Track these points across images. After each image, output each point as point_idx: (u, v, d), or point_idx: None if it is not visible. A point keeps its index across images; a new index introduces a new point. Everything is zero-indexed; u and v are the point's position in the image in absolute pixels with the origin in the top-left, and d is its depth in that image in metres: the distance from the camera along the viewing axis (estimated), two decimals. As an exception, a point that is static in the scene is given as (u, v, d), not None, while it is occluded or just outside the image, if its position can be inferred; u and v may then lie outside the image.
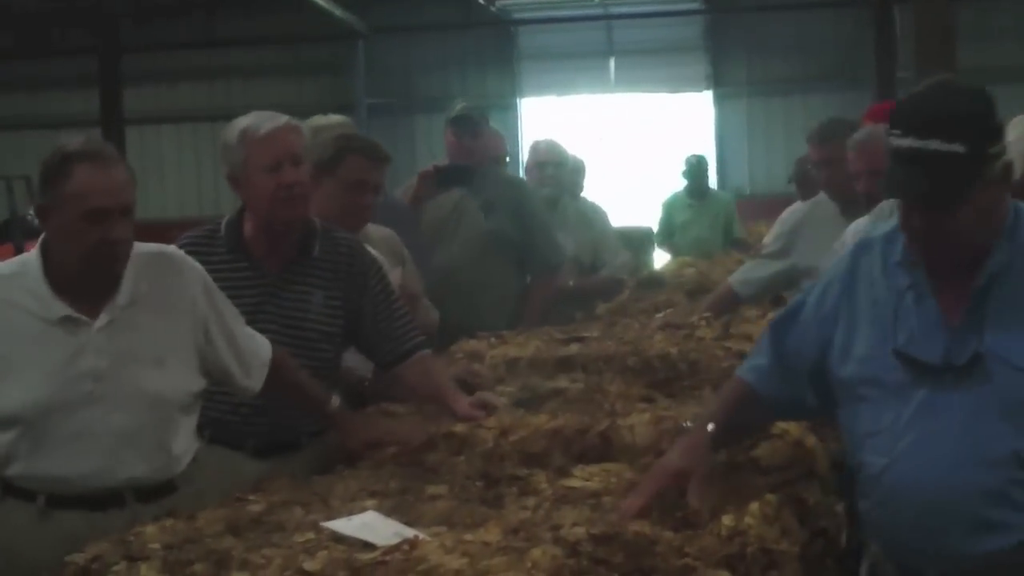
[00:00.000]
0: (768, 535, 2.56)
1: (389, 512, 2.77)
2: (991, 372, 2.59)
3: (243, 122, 3.89)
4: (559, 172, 7.23)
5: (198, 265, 3.51)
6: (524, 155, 10.00)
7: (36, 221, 3.35)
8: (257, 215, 3.92)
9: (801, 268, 5.07)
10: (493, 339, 4.99)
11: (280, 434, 3.85)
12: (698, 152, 11.76)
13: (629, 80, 20.98)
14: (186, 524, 2.81)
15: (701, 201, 10.85)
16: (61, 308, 3.22)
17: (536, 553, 2.38)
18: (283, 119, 3.90)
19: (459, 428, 3.55)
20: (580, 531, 2.52)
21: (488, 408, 3.74)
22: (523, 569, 2.30)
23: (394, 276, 4.70)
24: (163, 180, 20.63)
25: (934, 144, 2.55)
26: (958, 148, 2.54)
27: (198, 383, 3.43)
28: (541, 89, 21.12)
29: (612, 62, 21.11)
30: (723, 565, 2.44)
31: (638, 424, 3.44)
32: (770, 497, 2.75)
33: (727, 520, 2.62)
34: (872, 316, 2.77)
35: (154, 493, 3.26)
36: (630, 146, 20.76)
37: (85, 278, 3.24)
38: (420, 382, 3.99)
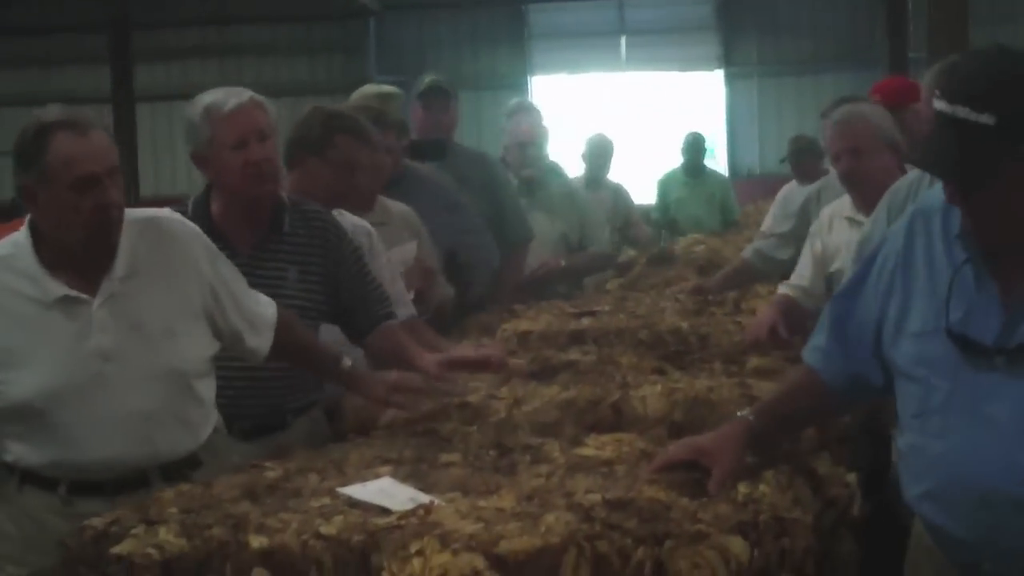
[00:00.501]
0: (781, 503, 2.57)
1: (404, 479, 2.79)
2: None
3: (206, 99, 3.78)
4: (540, 152, 6.97)
5: (194, 225, 3.40)
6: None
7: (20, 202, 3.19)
8: (225, 193, 3.84)
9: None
10: (505, 313, 5.02)
11: (267, 415, 3.78)
12: (710, 131, 11.76)
13: (640, 59, 20.98)
14: (203, 490, 2.83)
15: (697, 179, 10.82)
16: (58, 288, 3.11)
17: (550, 518, 2.39)
18: (247, 94, 3.79)
19: (472, 398, 3.57)
20: (594, 497, 2.54)
21: (454, 366, 3.71)
22: (537, 534, 2.31)
23: (407, 250, 4.76)
24: (174, 158, 20.65)
25: (962, 112, 2.33)
26: (987, 119, 2.31)
27: (212, 347, 3.34)
28: (552, 67, 21.13)
29: (623, 41, 21.12)
30: (736, 531, 2.45)
31: (650, 396, 3.46)
32: (783, 466, 2.76)
33: (742, 487, 2.64)
34: (928, 290, 2.56)
35: (179, 469, 3.18)
36: (641, 125, 20.74)
37: (84, 250, 3.12)
38: (384, 347, 3.88)
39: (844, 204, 4.63)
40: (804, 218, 5.25)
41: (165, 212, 3.43)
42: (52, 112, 3.09)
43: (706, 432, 3.04)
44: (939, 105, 2.38)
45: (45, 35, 21.39)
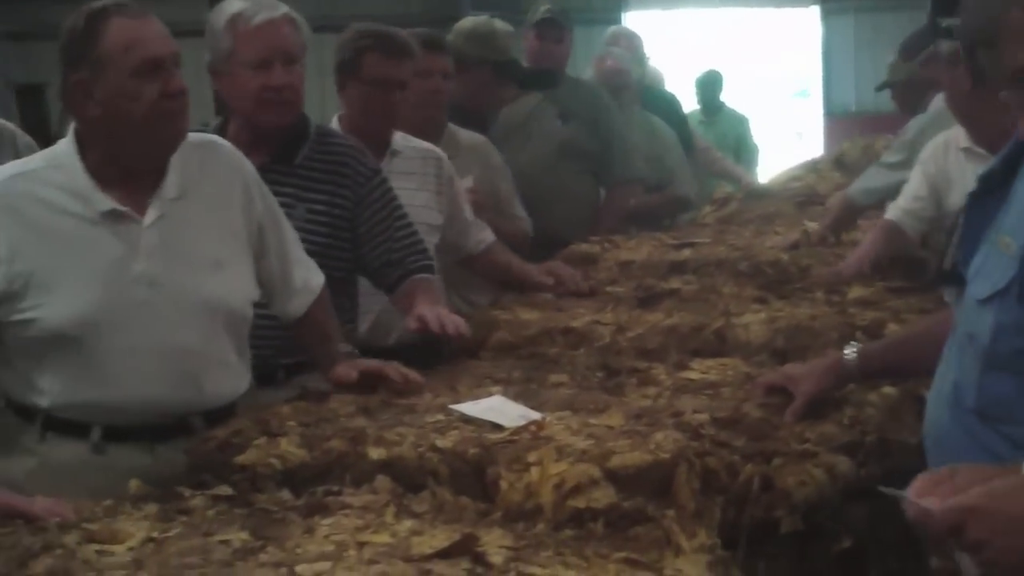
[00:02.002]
0: (888, 425, 2.61)
1: (514, 398, 2.85)
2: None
3: (234, 7, 3.41)
4: (626, 90, 6.83)
5: (249, 163, 3.12)
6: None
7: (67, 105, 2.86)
8: (238, 116, 3.54)
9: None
10: (606, 243, 5.06)
11: (259, 368, 3.26)
12: (805, 68, 11.63)
13: (736, -6, 20.77)
14: (318, 405, 2.90)
15: (712, 118, 10.70)
16: (105, 201, 2.81)
17: (659, 436, 2.44)
18: (281, 9, 3.44)
19: (576, 323, 3.62)
20: (702, 416, 2.59)
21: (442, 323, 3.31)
22: (647, 450, 2.36)
23: (465, 183, 4.55)
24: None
25: None
26: None
27: (255, 291, 3.07)
28: (647, 3, 20.97)
29: (719, -24, 20.91)
30: (842, 451, 2.50)
31: (752, 323, 3.50)
32: (889, 390, 2.80)
33: (848, 410, 2.68)
34: None
35: (221, 416, 2.90)
36: (735, 63, 20.58)
37: (145, 153, 2.85)
38: (404, 301, 3.57)
39: (960, 133, 4.52)
40: (914, 147, 5.13)
41: (219, 139, 3.17)
42: (99, 2, 2.80)
43: (809, 359, 3.09)
44: None
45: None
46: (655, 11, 21.01)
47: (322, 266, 3.38)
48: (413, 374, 3.01)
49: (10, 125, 4.19)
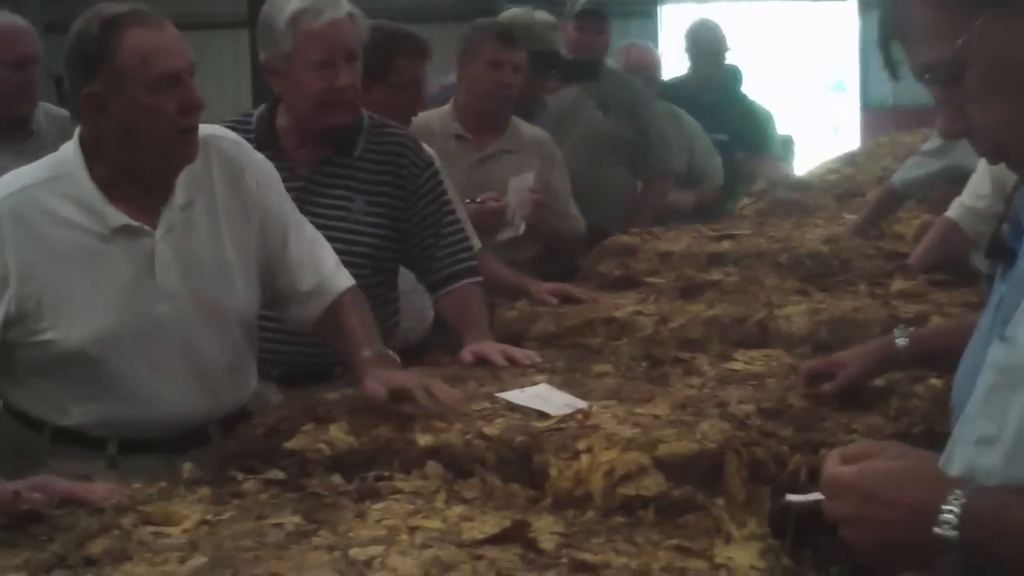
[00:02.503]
0: (934, 417, 2.61)
1: (559, 387, 2.86)
2: None
3: (294, 4, 3.33)
4: (651, 80, 6.88)
5: (259, 156, 3.00)
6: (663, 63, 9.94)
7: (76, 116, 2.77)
8: (296, 115, 3.46)
9: (958, 167, 4.94)
10: (645, 235, 5.07)
11: (310, 364, 3.36)
12: (842, 62, 11.51)
13: (772, -13, 20.70)
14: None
15: None
16: (117, 216, 2.70)
17: (705, 426, 2.45)
18: (344, 7, 3.37)
19: (618, 314, 3.64)
20: (747, 407, 2.60)
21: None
22: (694, 439, 2.37)
23: (524, 180, 4.58)
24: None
25: None
26: None
27: (259, 296, 2.98)
28: (683, -5, 20.91)
29: (756, -31, 20.83)
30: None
31: (795, 314, 3.50)
32: (935, 382, 2.80)
33: (894, 401, 2.68)
34: None
35: (234, 423, 2.86)
36: (771, 55, 20.51)
37: (159, 167, 2.74)
38: (451, 313, 3.55)
39: None
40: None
41: (219, 130, 3.00)
42: (114, 7, 2.67)
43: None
44: None
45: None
46: (690, 4, 20.94)
47: (378, 259, 3.42)
48: (446, 393, 2.71)
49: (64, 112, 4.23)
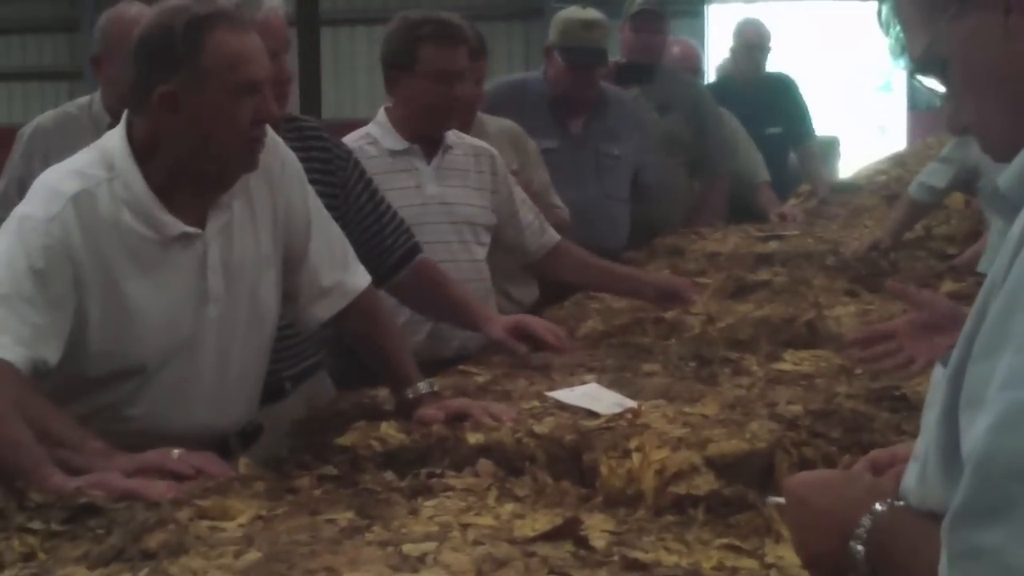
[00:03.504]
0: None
1: (608, 386, 2.87)
2: None
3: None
4: (694, 77, 6.87)
5: (283, 144, 2.85)
6: (711, 64, 9.90)
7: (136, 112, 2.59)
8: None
9: (969, 166, 4.81)
10: (693, 235, 5.08)
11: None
12: (890, 62, 11.43)
13: (820, -13, 20.62)
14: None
15: None
16: (175, 224, 2.58)
17: (755, 426, 2.46)
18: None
19: (667, 314, 3.65)
20: (796, 408, 2.61)
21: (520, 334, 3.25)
22: (744, 439, 2.38)
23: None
24: (354, 81, 20.86)
25: None
26: None
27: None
28: (731, -5, 20.86)
29: (804, -32, 20.76)
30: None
31: (844, 315, 3.51)
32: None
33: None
34: None
35: (250, 434, 2.84)
36: (818, 55, 20.44)
37: (220, 173, 2.63)
38: (425, 288, 3.40)
39: None
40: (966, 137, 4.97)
41: None
42: (201, 3, 2.56)
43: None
44: None
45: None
46: (738, 4, 20.88)
47: None
48: (501, 411, 2.66)
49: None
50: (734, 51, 7.53)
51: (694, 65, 6.83)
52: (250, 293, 2.72)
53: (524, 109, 4.93)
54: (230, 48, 2.50)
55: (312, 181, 3.03)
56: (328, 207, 3.06)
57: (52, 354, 2.45)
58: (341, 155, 3.35)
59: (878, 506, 1.47)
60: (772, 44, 7.52)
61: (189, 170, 2.59)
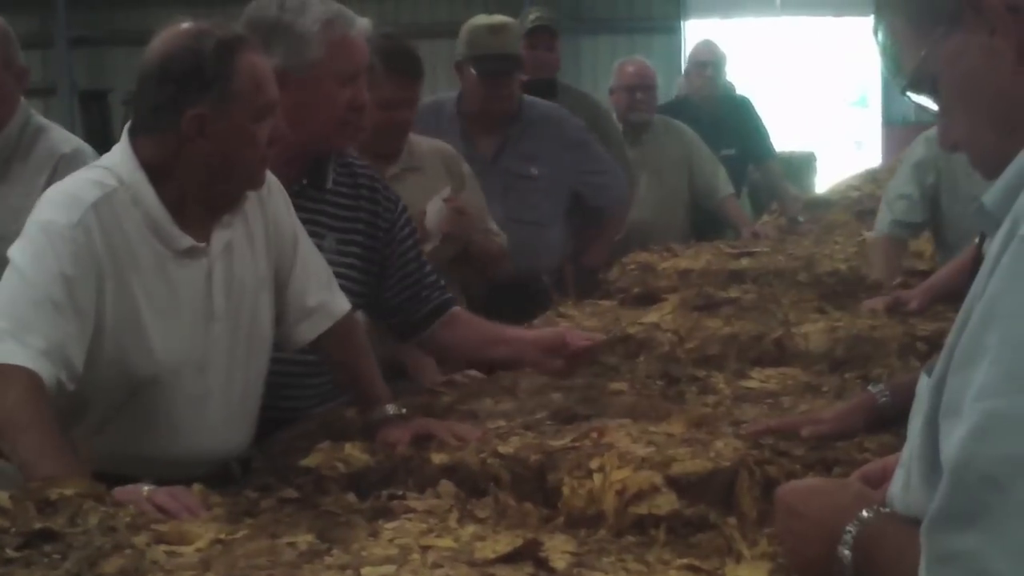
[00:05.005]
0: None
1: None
2: None
3: (319, 10, 3.03)
4: (648, 96, 6.71)
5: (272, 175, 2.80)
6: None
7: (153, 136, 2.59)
8: (308, 131, 3.06)
9: (929, 193, 4.67)
10: (665, 252, 5.08)
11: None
12: (864, 78, 11.51)
13: (794, 4, 20.68)
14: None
15: None
16: (184, 238, 2.60)
17: (719, 444, 2.46)
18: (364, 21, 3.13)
19: (634, 330, 3.64)
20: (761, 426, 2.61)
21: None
22: (708, 458, 2.38)
23: (443, 192, 4.16)
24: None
25: None
26: None
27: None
28: (706, 11, 20.92)
29: (778, -15, 20.84)
30: (903, 461, 2.50)
31: (812, 332, 3.50)
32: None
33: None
34: None
35: (248, 460, 2.78)
36: (794, 71, 20.52)
37: (233, 192, 2.67)
38: (459, 336, 3.27)
39: None
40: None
41: None
42: (223, 27, 2.60)
43: (870, 369, 3.11)
44: None
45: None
46: (714, 20, 20.96)
47: (353, 304, 3.05)
48: (466, 432, 2.65)
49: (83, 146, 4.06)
50: (686, 70, 7.55)
51: (648, 83, 6.73)
52: (250, 313, 2.73)
53: (439, 130, 4.68)
54: (255, 71, 2.55)
55: (357, 220, 3.15)
56: (370, 248, 3.17)
57: (79, 361, 2.45)
58: (391, 198, 3.28)
59: (865, 513, 1.52)
60: (726, 62, 7.51)
61: (206, 190, 2.61)
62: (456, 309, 3.31)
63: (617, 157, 5.69)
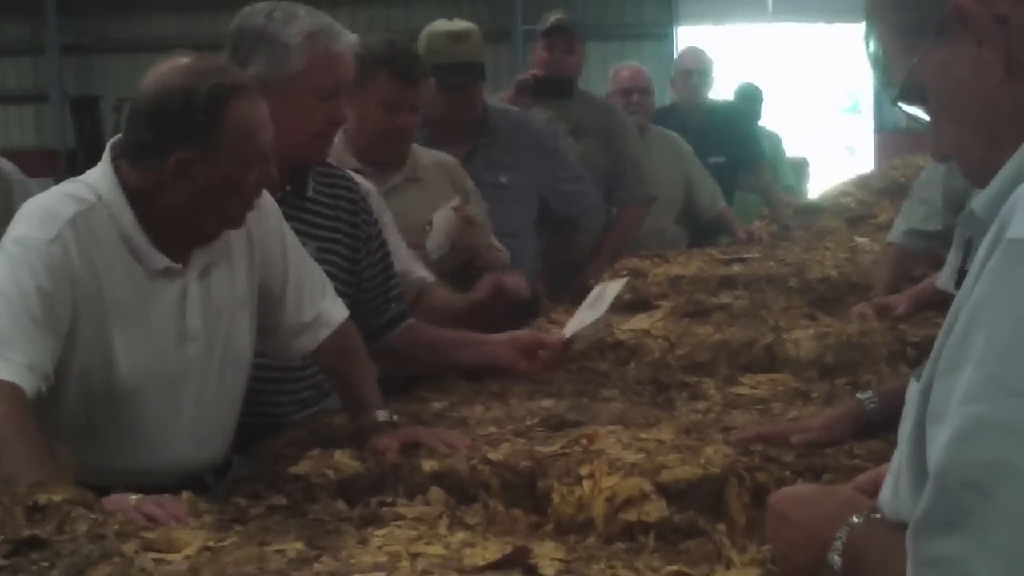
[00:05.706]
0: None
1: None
2: None
3: (307, 23, 3.06)
4: (644, 99, 6.65)
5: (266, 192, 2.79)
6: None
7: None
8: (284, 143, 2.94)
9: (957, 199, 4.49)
10: (656, 258, 5.08)
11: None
12: (856, 84, 11.50)
13: (786, 10, 20.71)
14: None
15: None
16: (160, 259, 2.61)
17: (709, 451, 2.46)
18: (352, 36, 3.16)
19: (625, 337, 3.64)
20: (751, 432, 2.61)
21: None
22: (698, 464, 2.38)
23: (441, 213, 4.13)
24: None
25: None
26: None
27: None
28: (698, 18, 20.94)
29: (771, -9, 20.87)
30: (893, 467, 2.50)
31: (802, 338, 3.50)
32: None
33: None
34: None
35: (223, 470, 2.83)
36: (786, 78, 20.55)
37: (215, 228, 2.68)
38: (425, 341, 3.38)
39: None
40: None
41: None
42: (222, 71, 2.60)
43: (859, 375, 3.11)
44: None
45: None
46: (706, 26, 20.98)
47: None
48: (455, 439, 2.66)
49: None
50: (673, 78, 7.52)
51: (643, 86, 6.70)
52: (226, 334, 2.74)
53: None
54: (246, 119, 2.55)
55: (337, 229, 3.21)
56: (348, 259, 3.23)
57: (51, 374, 2.47)
58: (369, 211, 3.33)
59: (854, 518, 1.52)
60: (713, 69, 7.48)
61: (182, 223, 2.62)
62: (412, 321, 3.38)
63: (638, 160, 5.76)
